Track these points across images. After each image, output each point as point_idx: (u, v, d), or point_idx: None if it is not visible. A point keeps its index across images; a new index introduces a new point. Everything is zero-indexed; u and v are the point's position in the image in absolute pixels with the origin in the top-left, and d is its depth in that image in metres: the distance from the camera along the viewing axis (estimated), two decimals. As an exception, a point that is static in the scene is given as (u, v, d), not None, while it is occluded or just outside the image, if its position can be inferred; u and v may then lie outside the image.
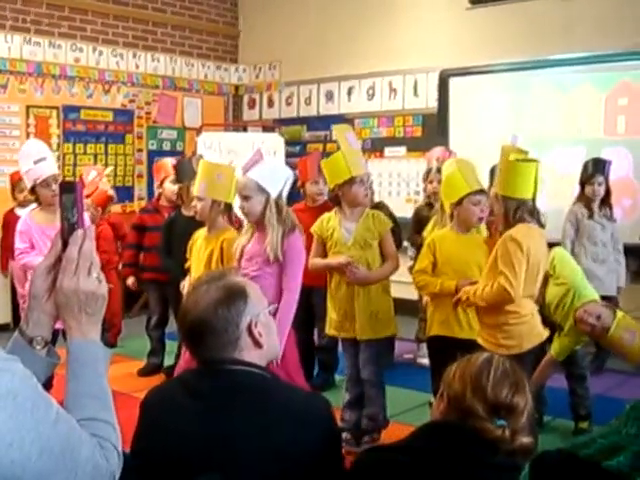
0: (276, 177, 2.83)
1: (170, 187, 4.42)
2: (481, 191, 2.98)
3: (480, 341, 2.74)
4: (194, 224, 3.49)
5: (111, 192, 4.88)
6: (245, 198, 2.81)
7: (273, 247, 2.72)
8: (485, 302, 2.66)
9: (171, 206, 4.43)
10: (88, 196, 4.51)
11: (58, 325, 1.03)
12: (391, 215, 4.20)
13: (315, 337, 4.15)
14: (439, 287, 3.04)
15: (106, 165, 6.08)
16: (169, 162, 4.60)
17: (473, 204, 2.96)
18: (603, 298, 3.94)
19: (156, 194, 4.77)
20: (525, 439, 1.39)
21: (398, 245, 4.12)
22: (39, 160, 3.42)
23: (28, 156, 3.46)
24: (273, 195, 2.78)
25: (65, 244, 1.00)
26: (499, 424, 1.37)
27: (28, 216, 3.56)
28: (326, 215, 3.25)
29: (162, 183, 4.55)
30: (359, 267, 3.03)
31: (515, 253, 2.57)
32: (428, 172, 4.37)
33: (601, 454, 0.51)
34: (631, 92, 4.97)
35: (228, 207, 3.22)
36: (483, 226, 3.12)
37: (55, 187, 3.33)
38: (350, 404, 3.19)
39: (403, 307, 4.60)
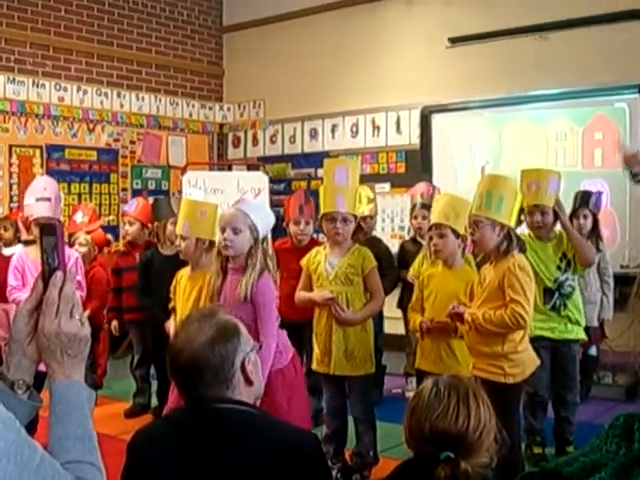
0: (265, 218, 2.80)
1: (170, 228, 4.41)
2: (436, 225, 3.01)
3: (477, 373, 2.70)
4: (172, 263, 3.47)
5: (109, 236, 4.90)
6: (235, 230, 2.68)
7: (246, 286, 2.64)
8: (495, 327, 2.65)
9: (142, 245, 4.44)
10: (89, 232, 4.47)
11: (43, 367, 1.01)
12: (388, 251, 4.23)
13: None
14: (411, 324, 3.15)
15: (90, 200, 6.08)
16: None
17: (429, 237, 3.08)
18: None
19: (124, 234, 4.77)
20: (476, 459, 1.39)
21: (394, 284, 4.14)
22: (42, 199, 3.41)
23: (34, 191, 3.48)
24: (261, 236, 2.73)
25: (46, 287, 1.00)
26: (444, 456, 1.36)
27: (24, 252, 3.56)
28: (316, 249, 3.28)
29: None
30: (345, 309, 3.04)
31: (527, 282, 2.65)
32: (413, 208, 4.40)
33: (583, 472, 0.52)
34: (606, 126, 5.10)
35: (212, 245, 3.20)
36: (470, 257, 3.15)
37: None
38: (328, 437, 3.18)
39: (391, 342, 4.59)
